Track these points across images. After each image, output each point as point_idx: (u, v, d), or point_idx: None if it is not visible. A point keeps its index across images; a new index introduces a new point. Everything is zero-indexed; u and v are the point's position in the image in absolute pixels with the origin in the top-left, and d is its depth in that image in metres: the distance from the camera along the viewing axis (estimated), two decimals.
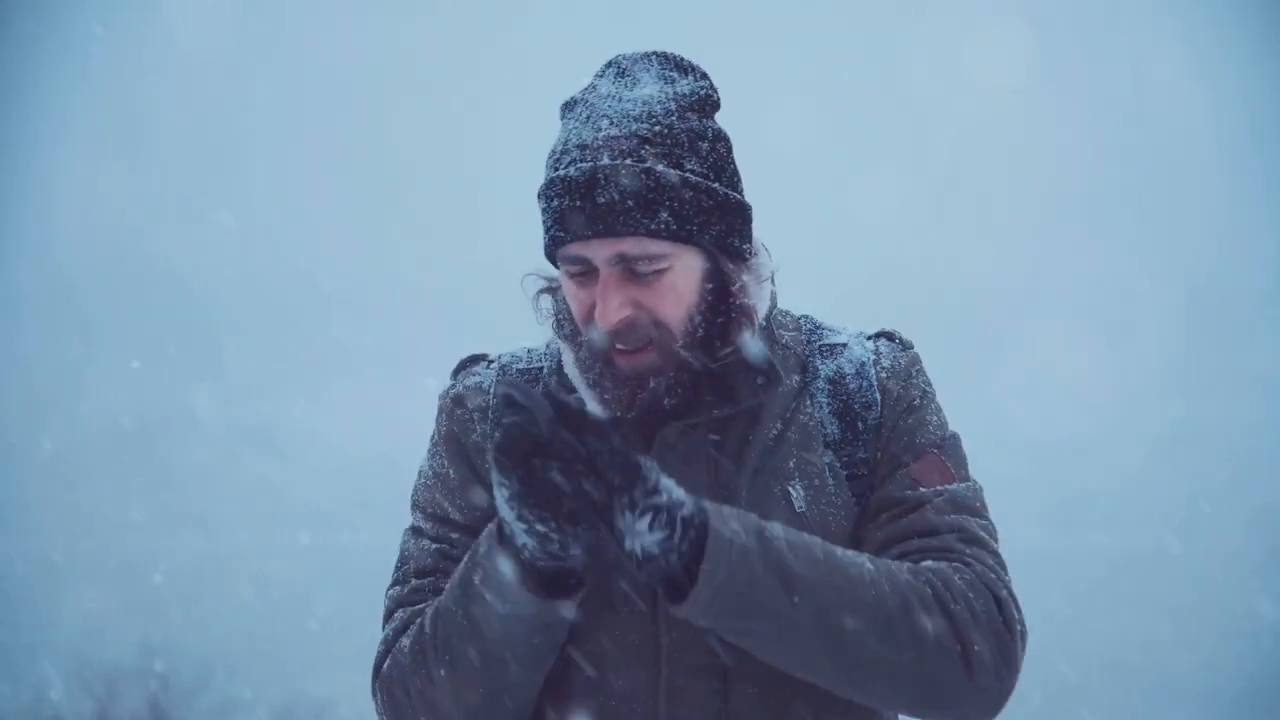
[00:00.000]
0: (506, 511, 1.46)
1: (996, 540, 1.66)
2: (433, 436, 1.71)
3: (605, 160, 1.57)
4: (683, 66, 1.67)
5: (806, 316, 1.74)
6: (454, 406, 1.69)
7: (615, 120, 1.60)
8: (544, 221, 1.60)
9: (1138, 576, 26.07)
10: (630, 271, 1.58)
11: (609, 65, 1.68)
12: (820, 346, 1.69)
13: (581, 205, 1.57)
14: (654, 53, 1.67)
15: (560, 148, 1.62)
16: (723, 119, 1.73)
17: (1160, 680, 21.58)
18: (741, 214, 1.62)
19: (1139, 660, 22.33)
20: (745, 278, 1.62)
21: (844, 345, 1.70)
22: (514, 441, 1.43)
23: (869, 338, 1.70)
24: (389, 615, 1.67)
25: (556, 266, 1.61)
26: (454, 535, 1.68)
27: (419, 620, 1.63)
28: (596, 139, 1.58)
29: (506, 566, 1.52)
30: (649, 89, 1.64)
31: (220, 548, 27.61)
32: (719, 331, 1.62)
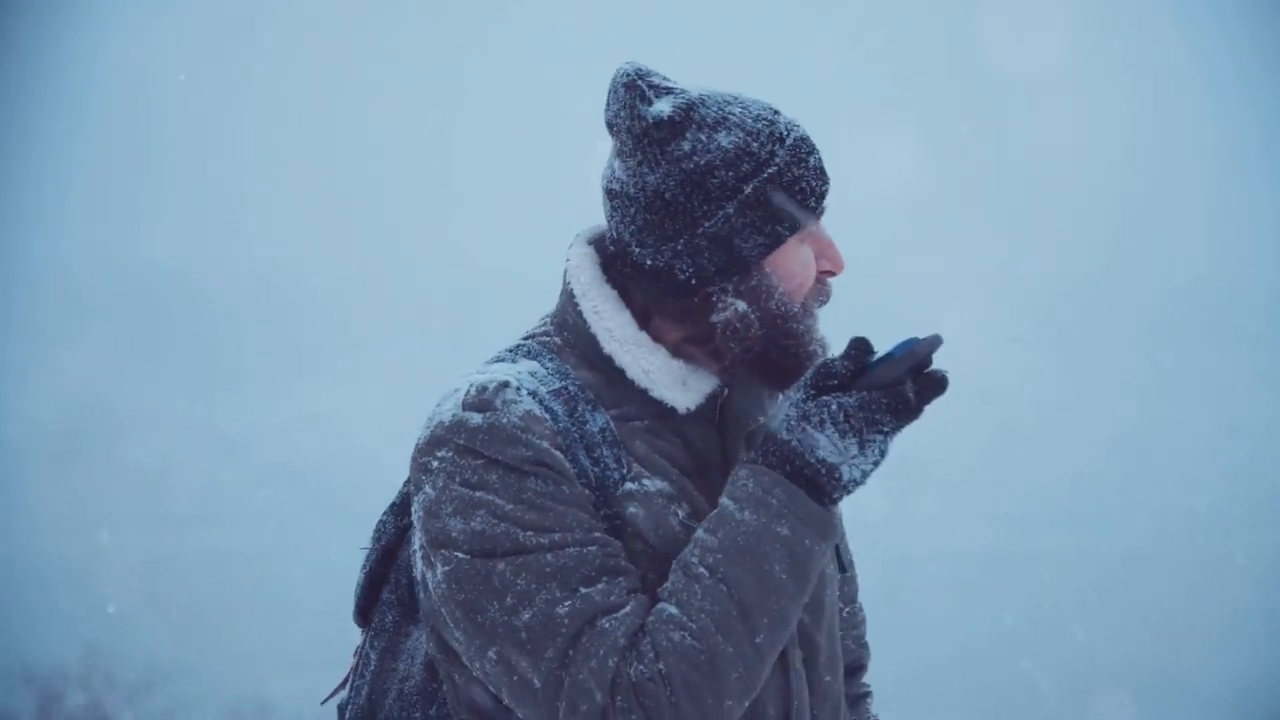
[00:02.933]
0: (882, 451, 1.63)
1: None
2: (495, 469, 1.63)
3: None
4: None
5: None
6: (524, 434, 1.65)
7: (758, 100, 1.75)
8: (803, 184, 1.71)
9: (1109, 580, 26.23)
10: None
11: (657, 87, 1.75)
12: None
13: (820, 163, 1.72)
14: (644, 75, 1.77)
15: (764, 125, 1.72)
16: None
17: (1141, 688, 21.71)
18: None
19: (1105, 667, 22.46)
20: None
21: None
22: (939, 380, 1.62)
23: None
24: (582, 630, 1.60)
25: (778, 238, 1.72)
26: (597, 535, 1.64)
27: (682, 606, 1.60)
28: (775, 108, 1.74)
29: (821, 508, 1.63)
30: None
31: (169, 548, 27.49)
32: None
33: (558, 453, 1.65)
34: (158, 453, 32.93)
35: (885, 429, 1.60)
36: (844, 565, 1.94)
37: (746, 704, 1.60)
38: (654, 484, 1.70)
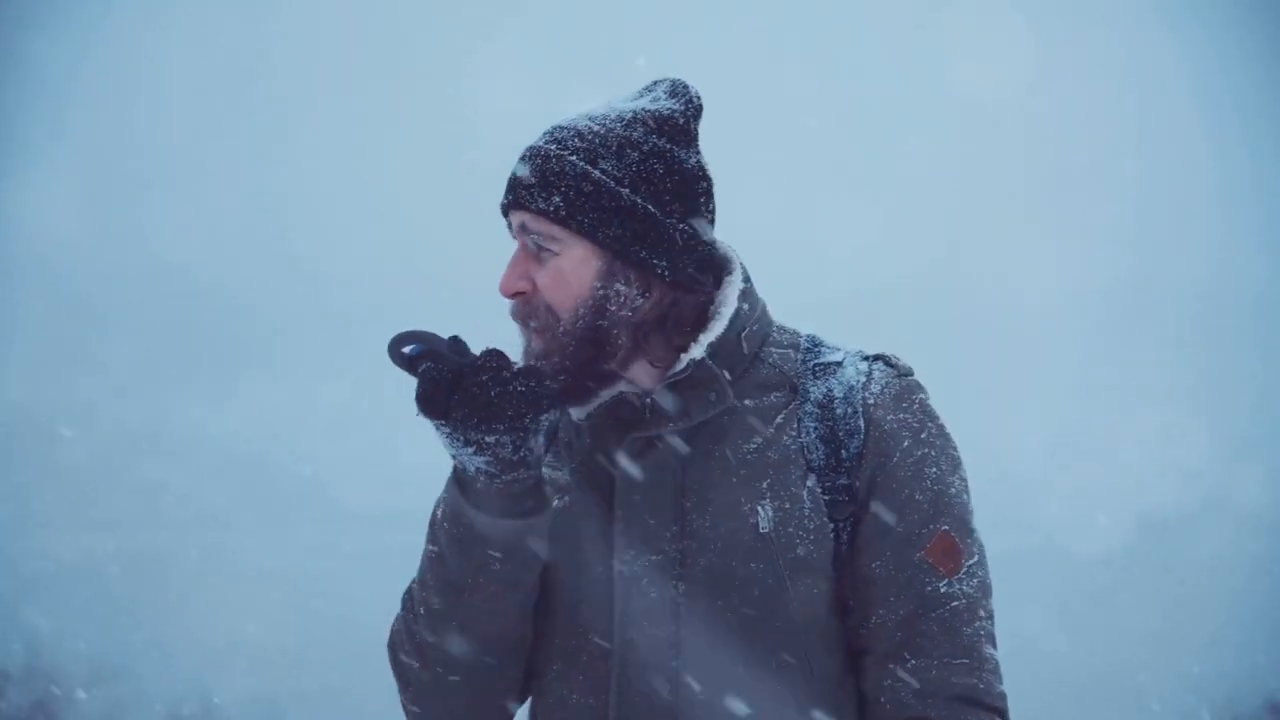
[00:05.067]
0: (453, 446, 1.63)
1: (993, 624, 1.76)
2: None
3: (539, 143, 1.73)
4: (677, 92, 1.77)
5: (810, 335, 1.80)
6: None
7: (578, 119, 1.74)
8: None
9: (1091, 585, 26.40)
10: (536, 249, 1.72)
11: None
12: (814, 366, 1.75)
13: (510, 177, 1.74)
14: (678, 79, 1.82)
15: None
16: (719, 124, 1.85)
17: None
18: (658, 232, 1.69)
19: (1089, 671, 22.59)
20: (654, 294, 1.72)
21: (838, 365, 1.75)
22: (434, 380, 1.61)
23: (865, 359, 1.76)
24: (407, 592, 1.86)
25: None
26: None
27: None
28: (553, 129, 1.73)
29: (463, 496, 1.67)
30: (636, 103, 1.76)
31: (110, 547, 27.35)
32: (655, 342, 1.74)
33: None
34: (99, 451, 32.73)
35: (439, 428, 1.67)
36: (782, 578, 1.73)
37: (446, 671, 1.77)
38: (557, 473, 1.82)
